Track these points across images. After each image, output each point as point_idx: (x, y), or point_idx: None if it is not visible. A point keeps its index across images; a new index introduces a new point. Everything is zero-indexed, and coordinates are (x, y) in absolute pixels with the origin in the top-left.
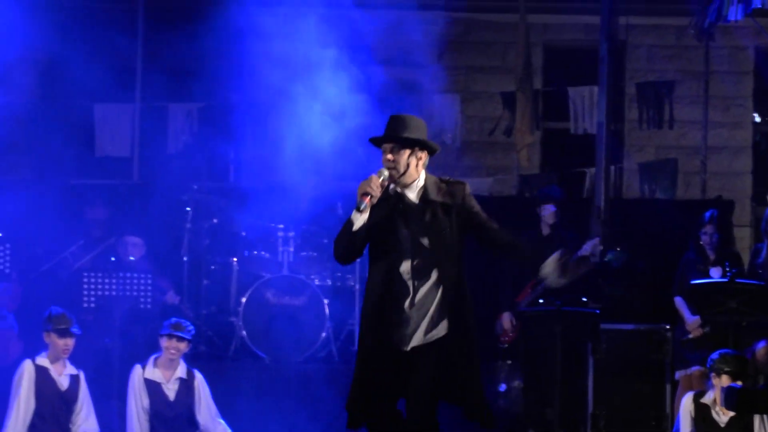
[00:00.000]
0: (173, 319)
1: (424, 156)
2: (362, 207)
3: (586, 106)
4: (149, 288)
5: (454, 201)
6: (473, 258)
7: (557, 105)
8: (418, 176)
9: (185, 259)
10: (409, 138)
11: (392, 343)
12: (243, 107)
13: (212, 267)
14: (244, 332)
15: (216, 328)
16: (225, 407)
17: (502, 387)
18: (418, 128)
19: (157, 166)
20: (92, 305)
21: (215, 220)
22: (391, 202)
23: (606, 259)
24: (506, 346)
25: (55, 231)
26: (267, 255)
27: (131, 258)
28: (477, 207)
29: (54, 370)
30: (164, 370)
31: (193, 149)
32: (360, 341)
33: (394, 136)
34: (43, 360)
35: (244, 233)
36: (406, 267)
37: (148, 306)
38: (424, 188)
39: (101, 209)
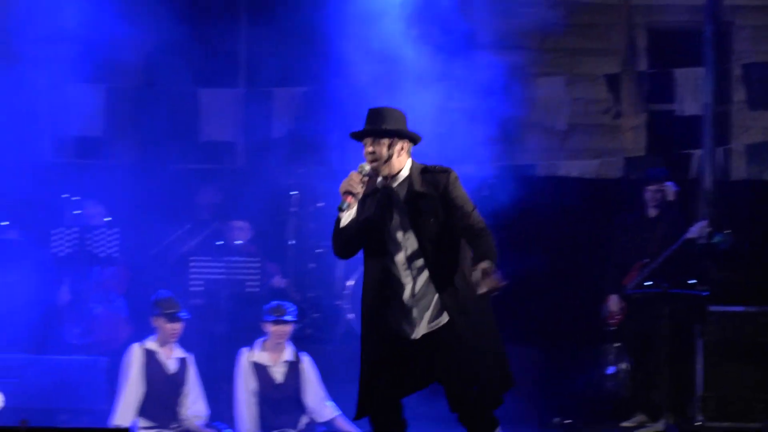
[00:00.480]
0: (274, 303)
1: (405, 145)
2: (344, 206)
3: (692, 87)
4: (256, 272)
5: (437, 190)
6: (579, 240)
7: (662, 87)
8: (403, 166)
9: (291, 242)
10: (387, 129)
11: (398, 336)
12: (347, 91)
13: (318, 250)
14: (350, 315)
15: (322, 311)
16: (332, 390)
17: (610, 370)
18: (396, 119)
19: (262, 150)
20: (199, 289)
21: (321, 204)
22: (378, 195)
23: (713, 241)
24: (613, 328)
25: (162, 215)
26: None
27: (238, 242)
28: (458, 195)
29: (162, 354)
30: (271, 353)
31: (297, 133)
32: (363, 337)
33: (372, 130)
34: (151, 344)
35: None
36: (401, 259)
37: (255, 289)
38: (409, 179)
39: (211, 193)
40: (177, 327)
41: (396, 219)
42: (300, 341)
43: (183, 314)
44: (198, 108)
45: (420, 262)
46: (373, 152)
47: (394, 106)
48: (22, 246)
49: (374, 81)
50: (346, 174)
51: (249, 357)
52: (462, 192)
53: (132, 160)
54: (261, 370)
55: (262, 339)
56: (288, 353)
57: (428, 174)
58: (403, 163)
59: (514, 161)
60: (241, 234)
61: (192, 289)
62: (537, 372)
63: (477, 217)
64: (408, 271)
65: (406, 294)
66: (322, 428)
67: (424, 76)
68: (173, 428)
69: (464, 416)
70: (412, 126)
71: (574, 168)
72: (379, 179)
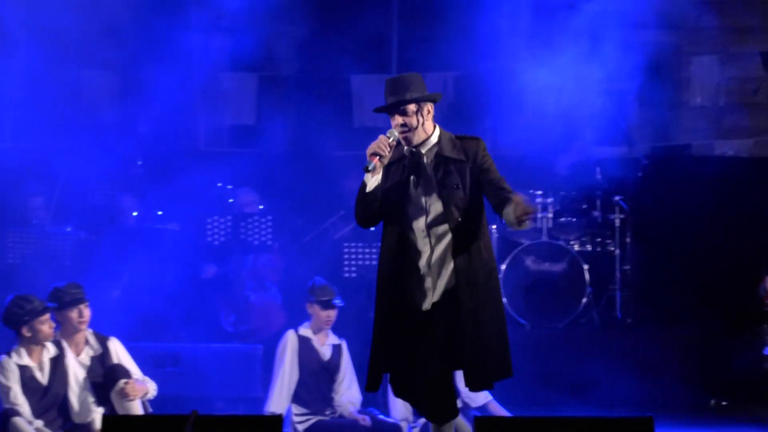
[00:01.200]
0: None
1: (430, 107)
2: (370, 167)
3: None
4: None
5: (467, 157)
6: (734, 219)
7: None
8: (432, 132)
9: None
10: (413, 98)
11: (412, 304)
12: (498, 75)
13: None
14: (504, 299)
15: None
16: None
17: (767, 350)
18: (416, 84)
19: None
20: (353, 275)
21: None
22: (404, 161)
23: None
24: None
25: (315, 203)
26: None
27: None
28: (489, 160)
29: (316, 341)
30: None
31: (449, 118)
32: (377, 304)
33: (398, 101)
34: (305, 330)
35: None
36: (421, 226)
37: None
38: (438, 145)
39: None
40: (331, 314)
41: (422, 184)
42: None
43: (337, 301)
44: (350, 94)
45: (440, 229)
46: (404, 124)
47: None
48: (179, 235)
49: (524, 63)
50: (498, 159)
51: None
52: (491, 159)
53: (285, 148)
54: None
55: None
56: None
57: (458, 141)
58: (430, 128)
59: (669, 141)
60: None
61: (346, 275)
62: (692, 353)
63: (506, 183)
64: (426, 239)
65: (422, 262)
66: (475, 412)
67: (576, 57)
68: (327, 415)
69: (431, 397)
70: (572, 112)
71: (728, 147)
72: (406, 147)
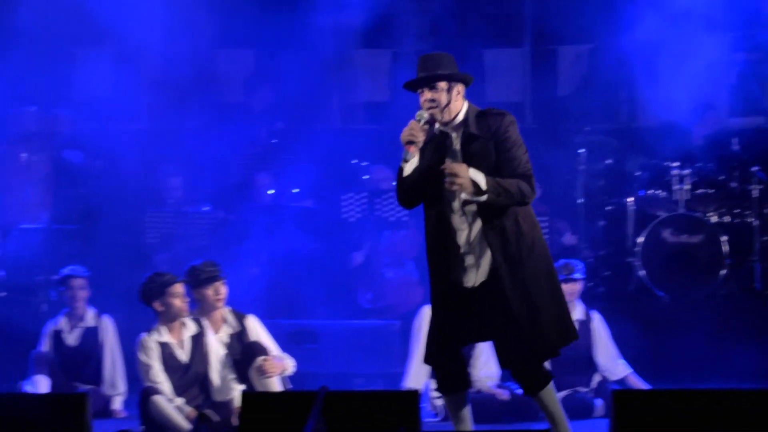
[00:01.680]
0: (562, 261)
1: (461, 88)
2: (408, 157)
3: None
4: (545, 230)
5: (489, 132)
6: None
7: None
8: (460, 110)
9: (580, 201)
10: (445, 74)
11: (456, 282)
12: (632, 47)
13: (608, 208)
14: (642, 272)
15: (614, 268)
16: (624, 347)
17: None
18: (449, 63)
19: (549, 109)
20: None
21: (609, 161)
22: (435, 141)
23: None
24: None
25: None
26: (662, 194)
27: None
28: (510, 138)
29: None
30: None
31: (584, 91)
32: (431, 286)
33: (430, 76)
34: None
35: (638, 173)
36: (456, 205)
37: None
38: (465, 122)
39: None
40: None
41: (453, 162)
42: (592, 299)
43: None
44: (483, 69)
45: (474, 207)
46: (433, 99)
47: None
48: (315, 213)
49: (660, 34)
50: (632, 131)
51: None
52: (516, 136)
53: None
54: None
55: None
56: (578, 311)
57: (483, 116)
58: (459, 107)
59: None
60: None
61: None
62: None
63: (524, 163)
64: (463, 218)
65: (462, 240)
66: (614, 386)
67: (711, 26)
68: None
69: (515, 371)
70: (707, 82)
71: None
72: (437, 125)
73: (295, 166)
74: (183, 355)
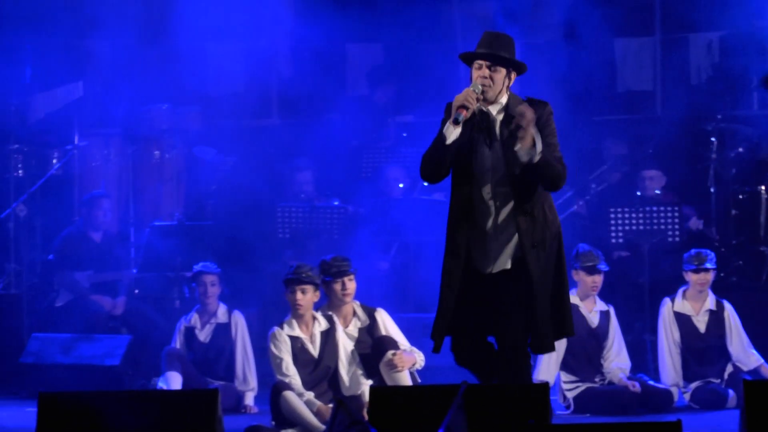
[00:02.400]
0: (693, 251)
1: (514, 75)
2: (460, 119)
3: None
4: (675, 220)
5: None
6: None
7: None
8: (505, 96)
9: (712, 189)
10: (510, 59)
11: (476, 268)
12: (763, 33)
13: (740, 196)
14: None
15: (746, 257)
16: (757, 337)
17: None
18: (512, 47)
19: (680, 97)
20: (620, 240)
21: (741, 149)
22: (474, 120)
23: None
24: None
25: (577, 169)
26: None
27: (656, 192)
28: (550, 126)
29: (584, 307)
30: (693, 303)
31: (715, 79)
32: (444, 266)
33: (498, 56)
34: (573, 297)
35: None
36: (487, 187)
37: (676, 239)
38: (507, 106)
39: (621, 144)
40: (597, 280)
41: (491, 145)
42: (724, 289)
43: (602, 266)
44: (614, 58)
45: (504, 191)
46: (490, 77)
47: None
48: (444, 205)
49: None
50: (764, 119)
51: (671, 307)
52: (554, 126)
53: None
54: (684, 320)
55: (683, 288)
56: (710, 301)
57: (529, 102)
58: (505, 93)
59: None
60: (653, 183)
61: (613, 240)
62: None
63: (559, 153)
64: (492, 201)
65: (488, 225)
66: (747, 376)
67: None
68: (596, 382)
69: (504, 357)
70: None
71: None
72: (478, 104)
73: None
74: (313, 349)
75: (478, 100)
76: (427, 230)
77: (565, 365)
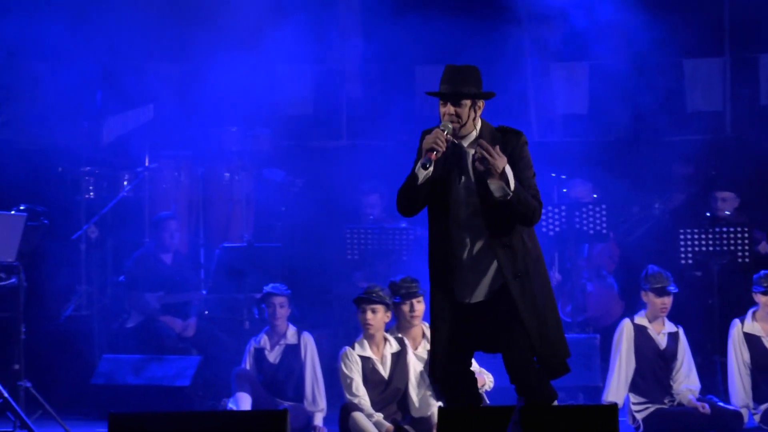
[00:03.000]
0: (763, 273)
1: (481, 104)
2: (428, 164)
3: None
4: (745, 241)
5: (505, 151)
6: None
7: None
8: (475, 126)
9: None
10: (473, 93)
11: (456, 298)
12: None
13: None
14: None
15: None
16: None
17: None
18: (476, 78)
19: (750, 118)
20: (689, 261)
21: None
22: (447, 153)
23: None
24: None
25: (647, 190)
26: None
27: (725, 213)
28: (524, 158)
29: (652, 329)
30: (763, 324)
31: None
32: (431, 299)
33: (459, 93)
34: (641, 319)
35: None
36: (461, 219)
37: (746, 260)
38: (479, 138)
39: (688, 165)
40: (666, 302)
41: (463, 178)
42: None
43: (672, 288)
44: (683, 79)
45: (480, 222)
46: (457, 114)
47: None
48: None
49: None
50: None
51: (741, 328)
52: (528, 157)
53: (617, 135)
54: (754, 341)
55: (753, 309)
56: None
57: (499, 134)
58: (476, 123)
59: None
60: (725, 205)
61: (682, 261)
62: None
63: (534, 186)
64: (467, 233)
65: (464, 256)
66: None
67: None
68: (666, 403)
69: (523, 387)
70: None
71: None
72: (450, 137)
73: None
74: (383, 370)
75: (447, 140)
76: None
77: (634, 386)
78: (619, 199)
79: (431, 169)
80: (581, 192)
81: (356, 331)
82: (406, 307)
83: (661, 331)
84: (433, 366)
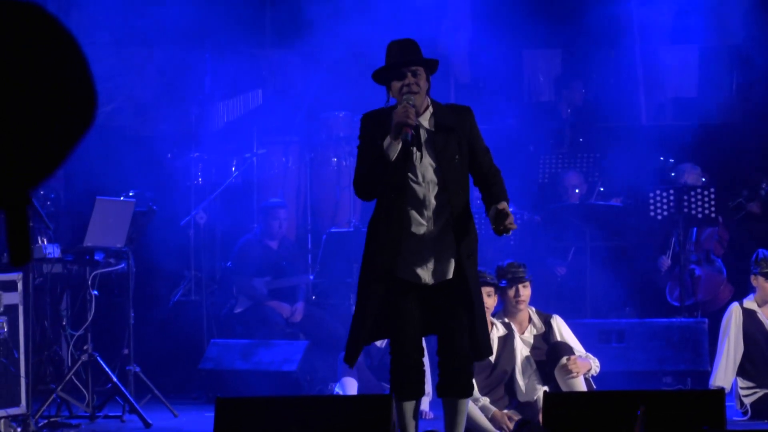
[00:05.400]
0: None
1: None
2: (410, 138)
3: None
4: None
5: (463, 127)
6: None
7: None
8: (427, 100)
9: None
10: (430, 60)
11: (410, 278)
12: None
13: None
14: None
15: None
16: None
17: None
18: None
19: None
20: None
21: None
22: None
23: None
24: None
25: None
26: None
27: None
28: (478, 134)
29: (762, 313)
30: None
31: None
32: (366, 275)
33: (423, 60)
34: (750, 303)
35: None
36: (419, 198)
37: None
38: (434, 114)
39: None
40: None
41: (422, 154)
42: None
43: None
44: None
45: (439, 201)
46: (416, 83)
47: None
48: (622, 211)
49: None
50: None
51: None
52: (479, 130)
53: (727, 119)
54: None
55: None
56: None
57: (452, 110)
58: (427, 96)
59: None
60: None
61: None
62: None
63: (490, 151)
64: (426, 211)
65: (423, 235)
66: None
67: None
68: None
69: (454, 369)
70: None
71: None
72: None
73: (601, 164)
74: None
75: (417, 113)
76: (604, 235)
77: (743, 371)
78: (728, 183)
79: (400, 144)
80: (690, 176)
81: None
82: (511, 292)
83: None
84: (354, 348)
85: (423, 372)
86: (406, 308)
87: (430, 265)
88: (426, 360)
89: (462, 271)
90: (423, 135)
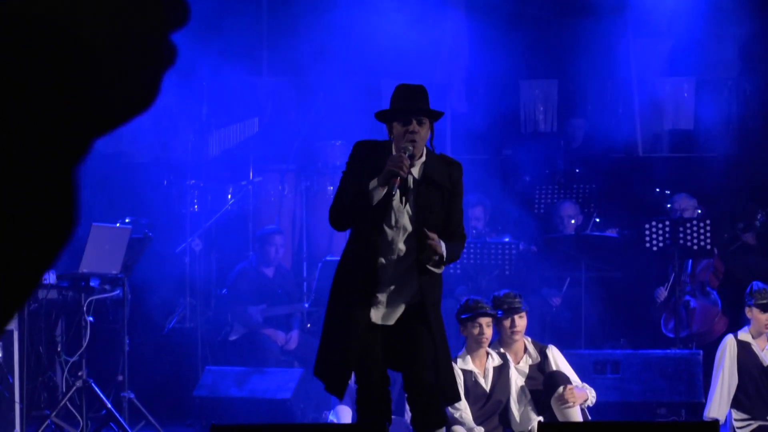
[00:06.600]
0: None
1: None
2: (394, 190)
3: None
4: None
5: (450, 181)
6: None
7: None
8: (423, 150)
9: None
10: (436, 111)
11: (366, 315)
12: None
13: None
14: None
15: None
16: None
17: None
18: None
19: None
20: None
21: None
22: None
23: None
24: None
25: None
26: None
27: None
28: (461, 195)
29: (756, 345)
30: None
31: None
32: (335, 309)
33: (426, 110)
34: (745, 335)
35: None
36: (393, 242)
37: None
38: (425, 164)
39: None
40: None
41: (403, 201)
42: None
43: None
44: None
45: (408, 247)
46: (418, 133)
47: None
48: (617, 242)
49: None
50: None
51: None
52: (462, 191)
53: (724, 152)
54: (745, 346)
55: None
56: None
57: (443, 162)
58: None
59: None
60: None
61: None
62: None
63: (461, 221)
64: (394, 255)
65: (389, 277)
66: None
67: None
68: None
69: (423, 407)
70: None
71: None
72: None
73: (597, 195)
74: (485, 384)
75: (411, 165)
76: (599, 266)
77: (737, 403)
78: (723, 216)
79: (396, 195)
80: (686, 207)
81: (456, 345)
82: (507, 322)
83: (765, 347)
84: (340, 380)
85: (389, 401)
86: (368, 344)
87: (390, 308)
88: None
89: (426, 318)
90: (410, 181)
